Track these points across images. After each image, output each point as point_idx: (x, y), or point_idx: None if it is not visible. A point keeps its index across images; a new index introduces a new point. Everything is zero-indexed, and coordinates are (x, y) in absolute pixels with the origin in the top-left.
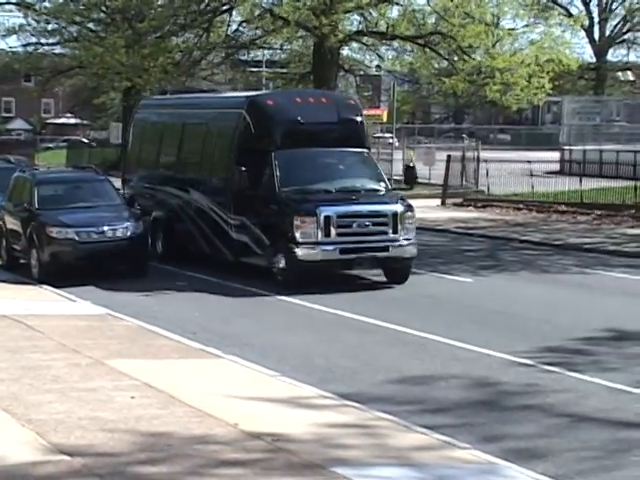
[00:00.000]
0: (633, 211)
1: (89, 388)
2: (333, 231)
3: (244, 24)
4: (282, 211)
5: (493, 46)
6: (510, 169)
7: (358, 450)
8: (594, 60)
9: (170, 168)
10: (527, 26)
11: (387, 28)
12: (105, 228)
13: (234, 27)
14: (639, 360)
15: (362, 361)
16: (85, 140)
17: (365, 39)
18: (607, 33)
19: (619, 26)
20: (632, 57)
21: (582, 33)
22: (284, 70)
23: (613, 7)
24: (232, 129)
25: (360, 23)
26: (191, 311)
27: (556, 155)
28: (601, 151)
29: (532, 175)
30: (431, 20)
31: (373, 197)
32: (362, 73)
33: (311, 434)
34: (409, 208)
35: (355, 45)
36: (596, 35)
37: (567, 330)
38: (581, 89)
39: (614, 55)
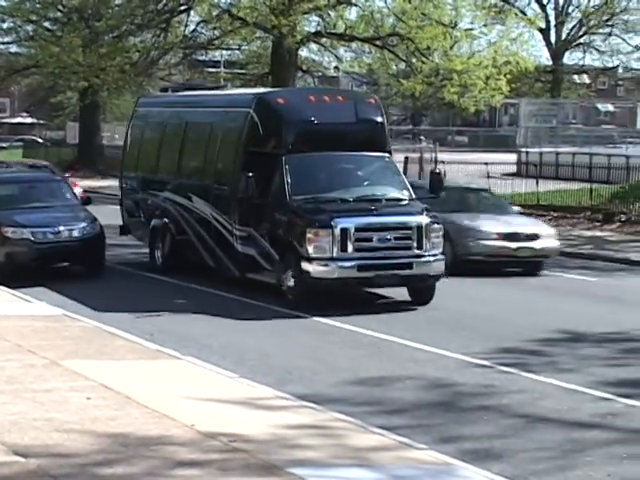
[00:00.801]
0: (589, 213)
1: (44, 389)
2: (350, 245)
3: (202, 24)
4: (293, 222)
5: (451, 48)
6: (467, 171)
7: (315, 451)
8: (551, 63)
9: (170, 172)
10: (485, 26)
11: (345, 29)
12: (61, 228)
13: (192, 27)
14: (593, 361)
15: (319, 362)
16: (40, 140)
17: (323, 40)
18: (563, 36)
19: (575, 29)
20: (588, 60)
21: (539, 36)
22: (242, 71)
23: (569, 10)
24: (238, 130)
25: (318, 24)
26: (150, 312)
27: (513, 157)
28: (557, 153)
29: (489, 177)
30: (389, 22)
31: (395, 207)
32: (320, 74)
33: (268, 435)
34: (435, 220)
35: (313, 46)
36: (552, 38)
37: (523, 331)
38: (538, 92)
39: (570, 58)
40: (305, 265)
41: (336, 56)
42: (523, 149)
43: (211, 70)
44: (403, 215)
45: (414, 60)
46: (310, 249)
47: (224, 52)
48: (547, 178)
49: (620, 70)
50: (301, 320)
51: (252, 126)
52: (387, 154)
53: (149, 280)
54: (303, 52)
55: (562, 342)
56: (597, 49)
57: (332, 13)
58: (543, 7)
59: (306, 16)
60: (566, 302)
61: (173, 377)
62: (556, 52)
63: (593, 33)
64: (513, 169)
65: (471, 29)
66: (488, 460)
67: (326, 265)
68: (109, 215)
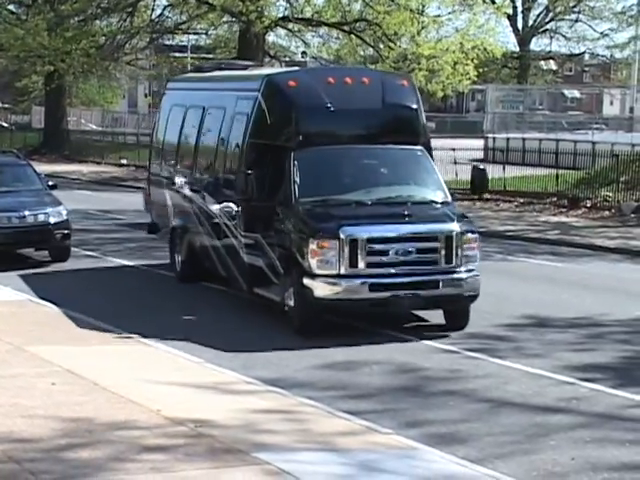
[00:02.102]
0: (555, 199)
1: (9, 375)
2: (361, 260)
3: (168, 8)
4: (296, 230)
5: (418, 33)
6: (435, 156)
7: (281, 435)
8: (518, 49)
9: (187, 166)
10: (452, 12)
11: (313, 14)
12: (26, 213)
13: (158, 11)
14: (559, 346)
15: (285, 347)
16: (5, 124)
17: (291, 25)
18: (530, 23)
19: (542, 16)
20: (554, 46)
21: (506, 22)
22: (210, 56)
23: None
24: (246, 119)
25: (286, 9)
26: (115, 298)
27: (480, 143)
28: (524, 139)
29: (456, 163)
30: (356, 7)
31: (422, 212)
32: (288, 59)
33: (234, 420)
34: (470, 228)
35: (281, 31)
36: (519, 25)
37: (489, 317)
38: (505, 78)
39: (537, 44)
40: (308, 282)
41: (304, 41)
42: (490, 135)
43: (178, 55)
44: (429, 222)
45: (382, 46)
46: (313, 263)
47: (191, 37)
48: (514, 164)
49: (586, 56)
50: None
51: (259, 114)
52: (420, 147)
53: (116, 266)
54: (270, 37)
55: (528, 327)
56: (564, 35)
57: None
58: None
59: (273, 1)
60: (532, 288)
61: (139, 362)
62: (523, 38)
63: (560, 19)
64: (480, 155)
65: (438, 15)
66: (453, 444)
67: (332, 283)
68: (75, 200)
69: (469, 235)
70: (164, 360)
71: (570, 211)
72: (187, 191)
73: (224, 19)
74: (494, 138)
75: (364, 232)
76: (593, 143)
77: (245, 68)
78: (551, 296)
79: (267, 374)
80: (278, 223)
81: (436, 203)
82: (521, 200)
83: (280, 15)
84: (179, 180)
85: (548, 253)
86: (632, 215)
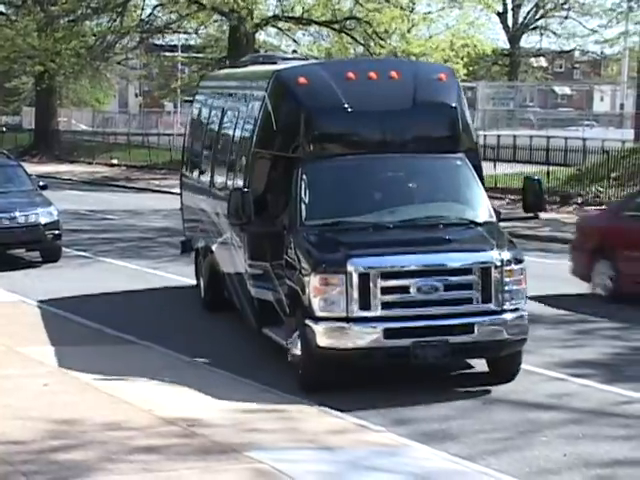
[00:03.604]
0: (546, 195)
1: (1, 376)
2: (375, 299)
3: (158, 8)
4: (298, 261)
5: (408, 31)
6: None
7: (273, 434)
8: (508, 46)
9: (207, 178)
10: (442, 9)
11: (303, 13)
12: (17, 214)
13: (148, 11)
14: (549, 342)
15: (279, 348)
16: None
17: (281, 24)
18: (520, 20)
19: (532, 12)
20: (545, 43)
21: (496, 19)
22: (200, 55)
23: None
24: (253, 122)
25: (276, 7)
26: (107, 298)
27: None
28: (515, 136)
29: None
30: (346, 5)
31: (454, 237)
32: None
33: (226, 419)
34: (515, 256)
35: (271, 30)
36: (510, 22)
37: None
38: (495, 75)
39: (527, 41)
40: (311, 327)
41: (294, 40)
42: (481, 132)
43: (168, 54)
44: (462, 250)
45: (372, 43)
46: (315, 303)
47: (181, 36)
48: (505, 161)
49: (577, 53)
50: None
51: (266, 118)
52: (460, 155)
53: (107, 266)
54: (261, 36)
55: None
56: (554, 32)
57: None
58: None
59: None
60: None
61: (131, 362)
62: (513, 35)
63: (550, 16)
64: None
65: (429, 12)
66: (445, 441)
67: (339, 329)
68: (66, 200)
69: (514, 266)
70: (156, 360)
71: (561, 207)
72: (207, 208)
73: (214, 18)
74: (485, 135)
75: (378, 264)
76: (584, 140)
77: (272, 62)
78: (542, 292)
79: (260, 374)
80: (285, 250)
81: (475, 224)
82: (512, 197)
83: (270, 14)
84: (199, 195)
85: (539, 250)
86: None
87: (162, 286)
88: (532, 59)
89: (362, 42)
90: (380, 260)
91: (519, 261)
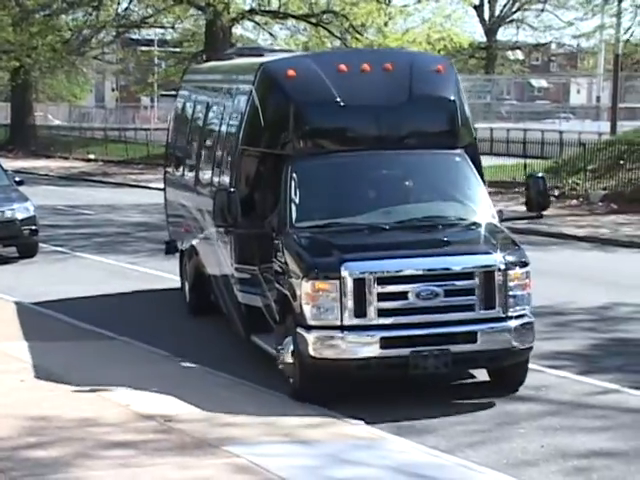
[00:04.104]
0: (523, 188)
1: None
2: (370, 306)
3: (134, 2)
4: (288, 266)
5: (385, 25)
6: None
7: (250, 429)
8: (484, 39)
9: (191, 176)
10: (419, 2)
11: (279, 6)
12: None
13: (124, 5)
14: None
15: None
16: None
17: (258, 18)
18: (497, 13)
19: (508, 6)
20: (521, 36)
21: (473, 13)
22: (176, 49)
23: None
24: (240, 118)
25: (253, 1)
26: (84, 293)
27: None
28: (492, 129)
29: None
30: None
31: (454, 238)
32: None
33: (203, 414)
34: (520, 259)
35: (248, 24)
36: (486, 15)
37: None
38: (472, 68)
39: (504, 34)
40: (303, 336)
41: (270, 34)
42: None
43: (144, 49)
44: (463, 253)
45: (349, 37)
46: (307, 311)
47: (157, 30)
48: (482, 154)
49: (553, 46)
50: None
51: (252, 113)
52: (459, 151)
53: (84, 261)
54: (237, 30)
55: None
56: (530, 25)
57: None
58: None
59: None
60: None
61: (108, 357)
62: (490, 28)
63: (526, 9)
64: None
65: (405, 5)
66: (423, 434)
67: (332, 338)
68: (43, 196)
69: (518, 270)
70: (134, 355)
71: None
72: (192, 208)
73: (190, 12)
74: None
75: (374, 268)
76: (560, 132)
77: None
78: None
79: (236, 368)
80: (274, 254)
81: (476, 225)
82: (490, 190)
83: (247, 7)
84: (184, 194)
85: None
86: (600, 203)
87: (140, 281)
88: (509, 52)
89: (339, 36)
90: (376, 264)
91: (524, 264)
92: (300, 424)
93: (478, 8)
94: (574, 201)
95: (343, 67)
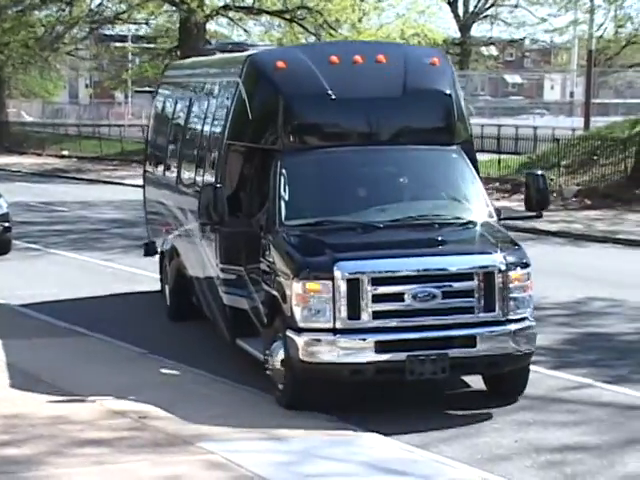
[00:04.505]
0: (497, 184)
1: None
2: (365, 307)
3: None
4: (277, 266)
5: (359, 20)
6: None
7: (225, 425)
8: (459, 35)
9: (173, 174)
10: None
11: (254, 2)
12: None
13: (98, 1)
14: None
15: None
16: None
17: (232, 14)
18: (471, 9)
19: (482, 1)
20: (495, 32)
21: (447, 8)
22: (151, 45)
23: None
24: (225, 112)
25: None
26: (58, 290)
27: None
28: None
29: None
30: None
31: (452, 238)
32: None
33: (178, 411)
34: (520, 260)
35: (222, 20)
36: (460, 10)
37: None
38: None
39: (478, 30)
40: (293, 339)
41: (245, 30)
42: None
43: (118, 45)
44: (461, 253)
45: (323, 33)
46: (298, 313)
47: (131, 26)
48: None
49: (527, 42)
50: None
51: (239, 107)
52: (456, 146)
53: (58, 258)
54: (212, 26)
55: None
56: (504, 21)
57: None
58: None
59: None
60: None
61: (82, 354)
62: (464, 24)
63: (500, 5)
64: None
65: (380, 1)
66: (396, 429)
67: (324, 342)
68: (16, 193)
69: (519, 271)
70: (108, 352)
71: (513, 195)
72: (173, 207)
73: (164, 8)
74: None
75: (368, 268)
76: (534, 128)
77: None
78: None
79: (212, 365)
80: (262, 253)
81: (474, 224)
82: None
83: (221, 3)
84: (165, 193)
85: None
86: (573, 199)
87: (115, 277)
88: (483, 48)
89: (313, 32)
90: (370, 264)
91: (525, 265)
92: (275, 420)
93: (452, 4)
94: None
95: (335, 59)
